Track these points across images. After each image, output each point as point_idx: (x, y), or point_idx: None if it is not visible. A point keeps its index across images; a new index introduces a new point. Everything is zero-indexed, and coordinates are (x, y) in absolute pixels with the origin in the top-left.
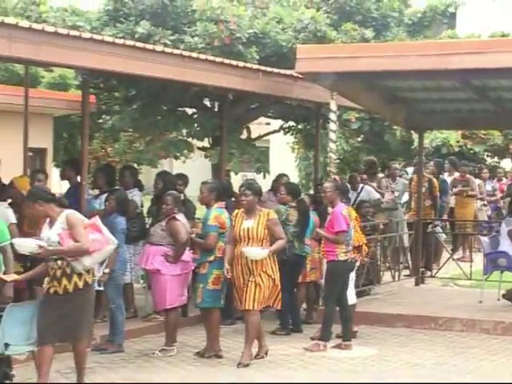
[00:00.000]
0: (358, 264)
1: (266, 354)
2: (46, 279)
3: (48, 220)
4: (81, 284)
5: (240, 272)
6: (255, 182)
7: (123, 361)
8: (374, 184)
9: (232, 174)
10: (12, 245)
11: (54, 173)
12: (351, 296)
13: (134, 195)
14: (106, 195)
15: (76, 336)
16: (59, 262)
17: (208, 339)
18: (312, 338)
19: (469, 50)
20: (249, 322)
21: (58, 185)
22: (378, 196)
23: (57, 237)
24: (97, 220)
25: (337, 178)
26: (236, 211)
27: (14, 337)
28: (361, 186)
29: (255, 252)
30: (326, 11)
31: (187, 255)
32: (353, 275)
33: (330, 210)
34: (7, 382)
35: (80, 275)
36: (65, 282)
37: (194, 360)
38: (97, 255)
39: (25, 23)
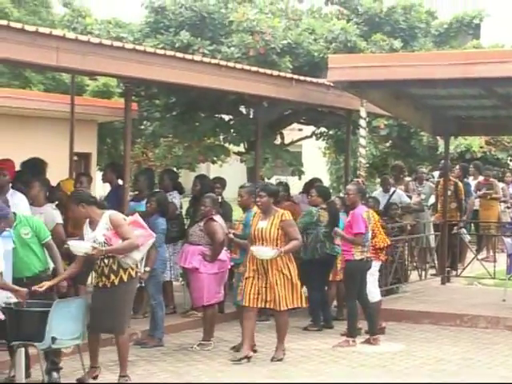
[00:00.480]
0: (379, 264)
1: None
2: (94, 275)
3: (87, 222)
4: (125, 277)
5: (256, 271)
6: (270, 184)
7: (163, 354)
8: (402, 187)
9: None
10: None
11: (97, 176)
12: (375, 293)
13: (174, 197)
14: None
15: (119, 327)
16: (106, 261)
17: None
18: (342, 335)
19: (493, 60)
20: (280, 321)
21: (101, 187)
22: (408, 200)
23: (102, 237)
24: (137, 217)
25: (359, 180)
26: (255, 211)
27: (61, 331)
28: (393, 189)
29: (263, 251)
30: (356, 22)
31: (224, 254)
32: (376, 274)
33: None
34: (54, 371)
35: (125, 269)
36: (112, 277)
37: (230, 354)
38: (143, 249)
39: (71, 35)
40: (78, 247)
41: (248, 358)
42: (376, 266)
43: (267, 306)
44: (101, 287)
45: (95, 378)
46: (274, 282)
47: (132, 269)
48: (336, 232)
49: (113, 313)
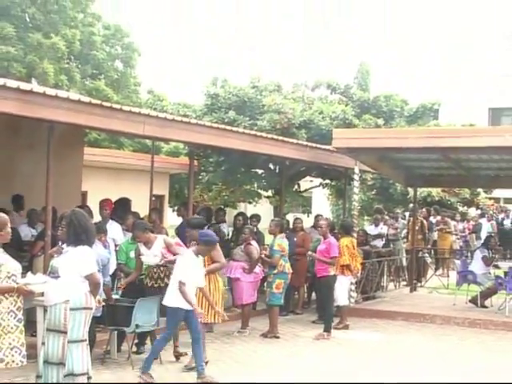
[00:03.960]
0: (348, 277)
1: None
2: (148, 280)
3: (143, 243)
4: None
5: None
6: (192, 218)
7: (213, 337)
8: (382, 223)
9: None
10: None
11: (168, 211)
12: (344, 298)
13: (224, 228)
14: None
15: None
16: (161, 268)
17: (270, 325)
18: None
19: (448, 135)
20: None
21: (175, 219)
22: (385, 232)
23: (159, 253)
24: (179, 240)
25: (328, 218)
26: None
27: (142, 320)
28: (381, 224)
29: None
30: (352, 106)
31: (258, 268)
32: (345, 285)
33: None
34: (142, 345)
35: None
36: (166, 279)
37: (260, 339)
38: None
39: (153, 113)
40: (149, 258)
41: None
42: (344, 279)
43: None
44: (158, 287)
45: None
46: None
47: None
48: (312, 255)
49: None
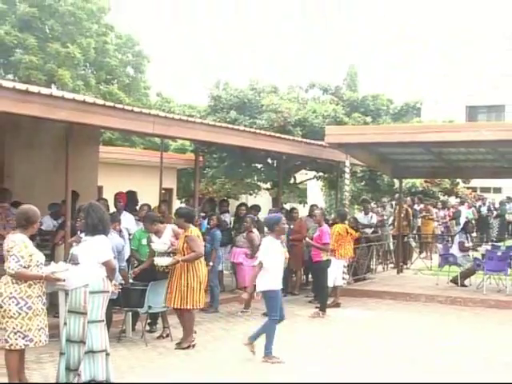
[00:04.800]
0: (342, 261)
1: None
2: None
3: (154, 232)
4: None
5: (171, 276)
6: (180, 208)
7: (218, 317)
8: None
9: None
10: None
11: (177, 203)
12: (338, 280)
13: (226, 217)
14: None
15: None
16: (171, 255)
17: None
18: (316, 307)
19: (429, 130)
20: (183, 318)
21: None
22: (374, 221)
23: (168, 241)
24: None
25: (322, 207)
26: None
27: (154, 302)
28: (371, 214)
29: (160, 260)
30: (342, 105)
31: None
32: (341, 268)
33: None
34: (154, 325)
35: None
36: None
37: (261, 317)
38: None
39: (162, 113)
40: (159, 246)
41: (193, 346)
42: (338, 262)
43: (174, 306)
44: (168, 272)
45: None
46: (176, 285)
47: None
48: (307, 242)
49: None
